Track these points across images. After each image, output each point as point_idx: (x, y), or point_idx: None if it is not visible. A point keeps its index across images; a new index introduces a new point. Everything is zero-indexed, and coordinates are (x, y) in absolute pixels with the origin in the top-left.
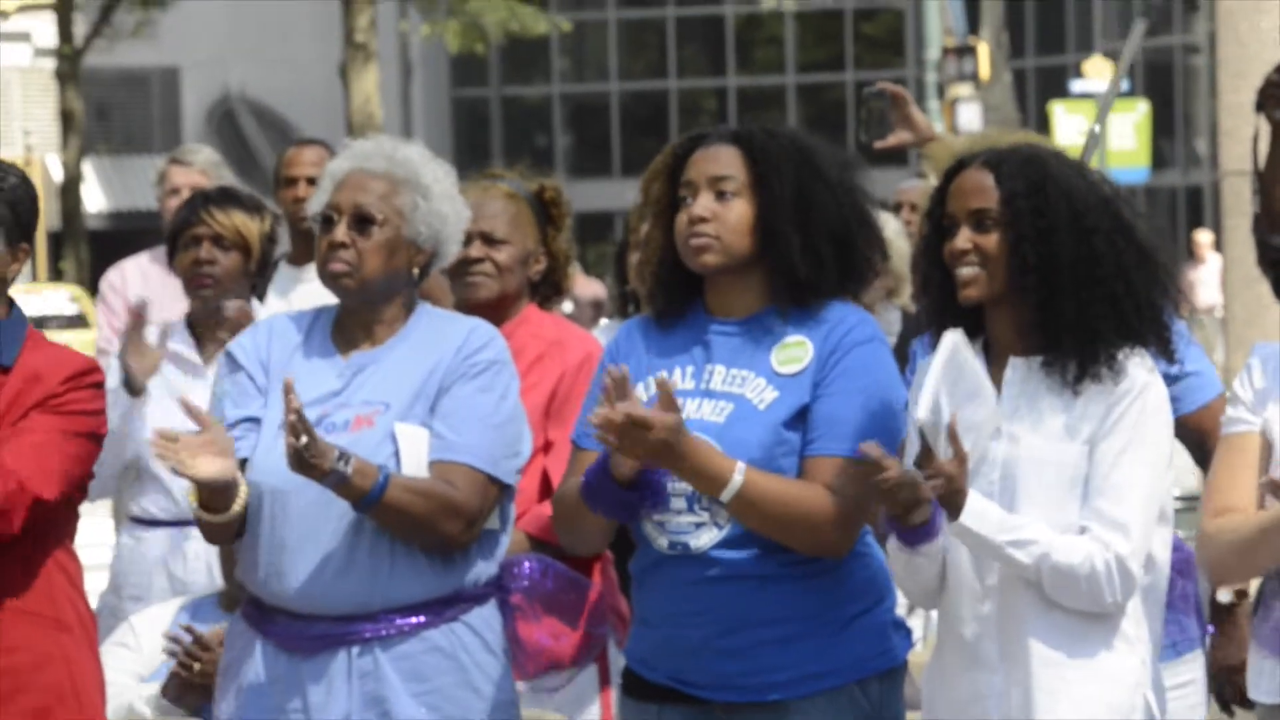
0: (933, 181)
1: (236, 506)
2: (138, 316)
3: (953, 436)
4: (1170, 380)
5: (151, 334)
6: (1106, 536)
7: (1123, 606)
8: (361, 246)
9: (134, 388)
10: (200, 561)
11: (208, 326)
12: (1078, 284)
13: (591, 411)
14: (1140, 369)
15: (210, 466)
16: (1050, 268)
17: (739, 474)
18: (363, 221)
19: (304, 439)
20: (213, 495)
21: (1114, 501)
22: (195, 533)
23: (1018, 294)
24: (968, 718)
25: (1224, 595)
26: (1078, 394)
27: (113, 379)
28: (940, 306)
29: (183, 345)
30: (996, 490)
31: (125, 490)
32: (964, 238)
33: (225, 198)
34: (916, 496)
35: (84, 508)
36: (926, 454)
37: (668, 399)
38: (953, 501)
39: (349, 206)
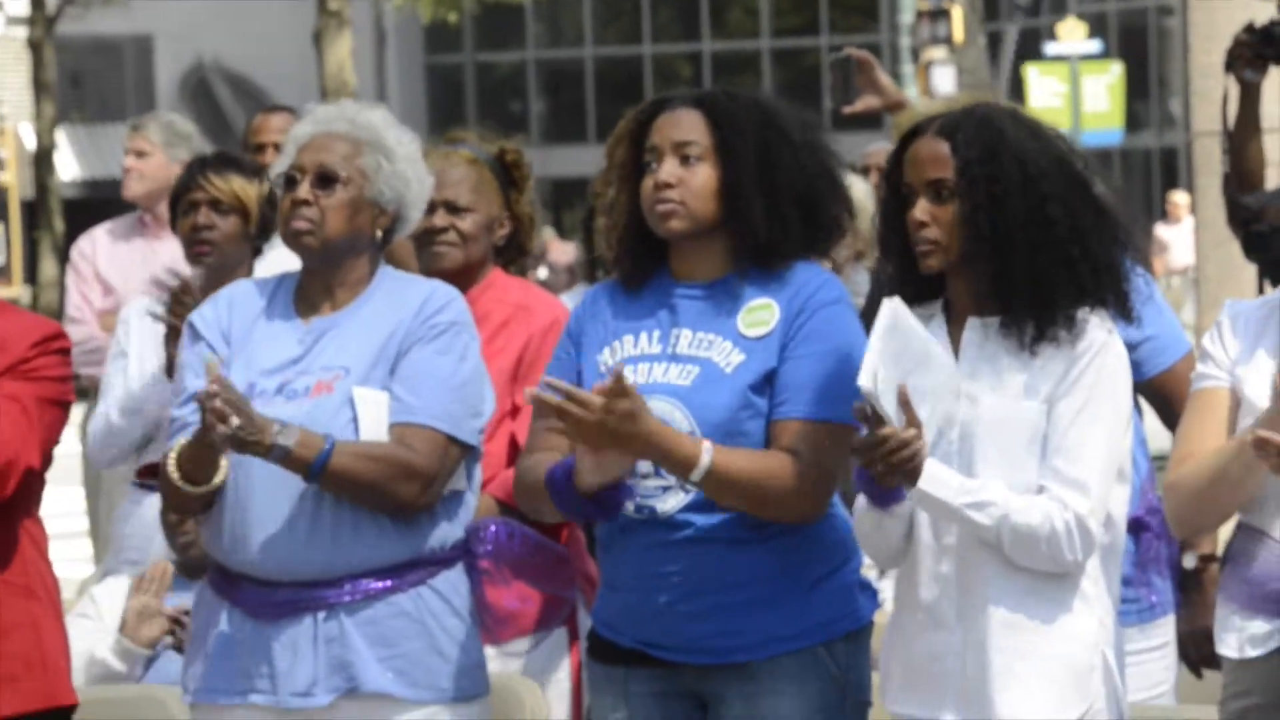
0: None
1: (217, 479)
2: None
3: (905, 403)
4: (1133, 345)
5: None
6: (1065, 495)
7: (1082, 565)
8: (324, 204)
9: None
10: None
11: (210, 291)
12: (1032, 250)
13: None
14: (1099, 329)
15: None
16: (1004, 235)
17: (706, 455)
18: (326, 180)
19: (235, 420)
20: (198, 466)
21: (1072, 460)
22: None
23: (974, 261)
24: (925, 677)
25: (1189, 560)
26: (1035, 355)
27: (154, 363)
28: (901, 272)
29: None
30: (955, 450)
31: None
32: (922, 209)
33: (223, 162)
34: (917, 458)
35: (51, 475)
36: (878, 421)
37: (620, 388)
38: (910, 467)
39: (312, 166)
